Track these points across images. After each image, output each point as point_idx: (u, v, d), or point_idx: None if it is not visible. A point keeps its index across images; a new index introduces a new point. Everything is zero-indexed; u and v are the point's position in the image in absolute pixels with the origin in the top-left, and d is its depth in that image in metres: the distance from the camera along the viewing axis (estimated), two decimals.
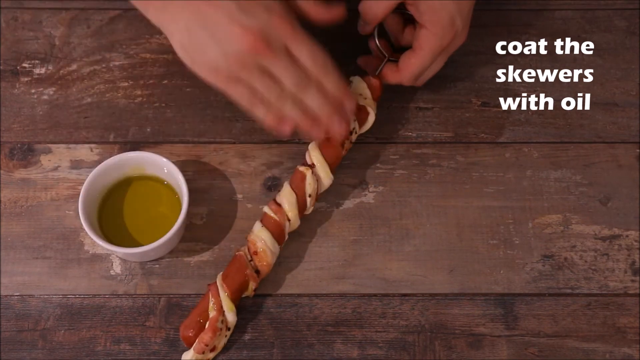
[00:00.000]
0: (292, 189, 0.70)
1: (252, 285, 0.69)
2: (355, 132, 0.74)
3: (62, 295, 0.72)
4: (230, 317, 0.67)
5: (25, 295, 0.71)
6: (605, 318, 0.71)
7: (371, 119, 0.74)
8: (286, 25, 0.63)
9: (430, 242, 0.74)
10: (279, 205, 0.70)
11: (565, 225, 0.75)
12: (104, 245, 0.69)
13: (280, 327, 0.71)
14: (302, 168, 0.71)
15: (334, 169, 0.73)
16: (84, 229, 0.70)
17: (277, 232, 0.70)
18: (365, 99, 0.74)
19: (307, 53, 0.65)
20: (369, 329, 0.71)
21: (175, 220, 0.70)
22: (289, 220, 0.70)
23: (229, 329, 0.68)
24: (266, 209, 0.71)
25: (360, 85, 0.74)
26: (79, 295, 0.72)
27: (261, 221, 0.70)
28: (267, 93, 0.65)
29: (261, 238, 0.69)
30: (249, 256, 0.69)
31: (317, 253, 0.74)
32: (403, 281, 0.73)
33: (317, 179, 0.71)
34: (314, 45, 0.65)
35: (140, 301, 0.71)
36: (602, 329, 0.71)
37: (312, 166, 0.71)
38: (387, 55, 0.75)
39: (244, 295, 0.70)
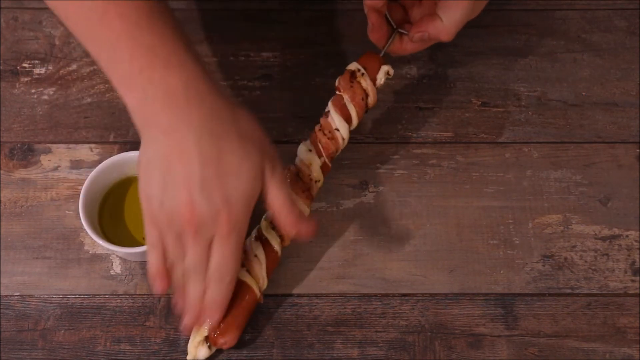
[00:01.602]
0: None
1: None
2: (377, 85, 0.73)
3: (62, 295, 0.72)
4: None
5: (25, 295, 0.71)
6: (605, 318, 0.71)
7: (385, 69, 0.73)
8: (226, 226, 0.62)
9: (430, 242, 0.74)
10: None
11: (565, 225, 0.75)
12: (104, 245, 0.69)
13: (280, 327, 0.71)
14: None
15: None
16: (84, 229, 0.70)
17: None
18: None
19: (217, 259, 0.63)
20: (369, 329, 0.71)
21: None
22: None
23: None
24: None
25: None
26: (79, 295, 0.72)
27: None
28: (169, 253, 0.64)
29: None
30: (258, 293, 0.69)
31: (317, 253, 0.74)
32: (403, 281, 0.73)
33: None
34: (231, 259, 0.64)
35: (140, 301, 0.71)
36: (602, 329, 0.71)
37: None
38: (395, 27, 0.73)
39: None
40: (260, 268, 0.68)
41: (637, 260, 0.74)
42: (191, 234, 0.62)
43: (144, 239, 0.72)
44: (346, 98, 0.71)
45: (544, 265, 0.73)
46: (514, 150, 0.78)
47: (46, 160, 0.77)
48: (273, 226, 0.69)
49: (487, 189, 0.77)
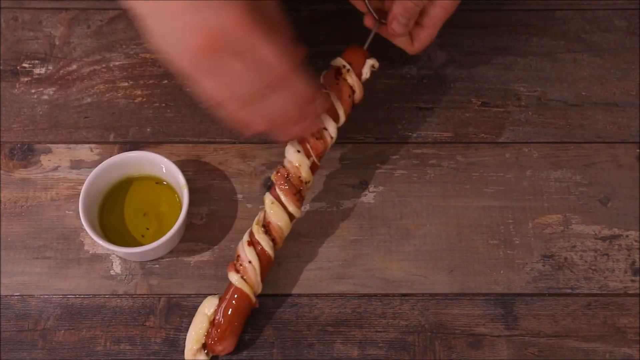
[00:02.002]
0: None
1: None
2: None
3: (62, 295, 0.72)
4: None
5: (25, 295, 0.71)
6: (605, 318, 0.71)
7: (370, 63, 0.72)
8: (248, 26, 0.59)
9: (430, 242, 0.74)
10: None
11: (565, 225, 0.75)
12: (104, 245, 0.69)
13: (280, 327, 0.71)
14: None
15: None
16: (84, 229, 0.70)
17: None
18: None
19: (270, 55, 0.61)
20: (369, 329, 0.71)
21: (175, 220, 0.70)
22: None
23: None
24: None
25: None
26: (79, 295, 0.72)
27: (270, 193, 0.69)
28: (227, 92, 0.62)
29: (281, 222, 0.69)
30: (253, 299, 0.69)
31: (317, 253, 0.74)
32: (403, 281, 0.73)
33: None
34: (281, 47, 0.62)
35: (140, 301, 0.71)
36: (602, 329, 0.71)
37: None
38: (377, 17, 0.71)
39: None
40: (255, 274, 0.68)
41: (637, 260, 0.74)
42: (229, 53, 0.58)
43: (143, 236, 0.72)
44: (332, 96, 0.70)
45: (544, 265, 0.73)
46: (514, 150, 0.78)
47: (46, 160, 0.77)
48: (265, 230, 0.69)
49: (487, 189, 0.77)
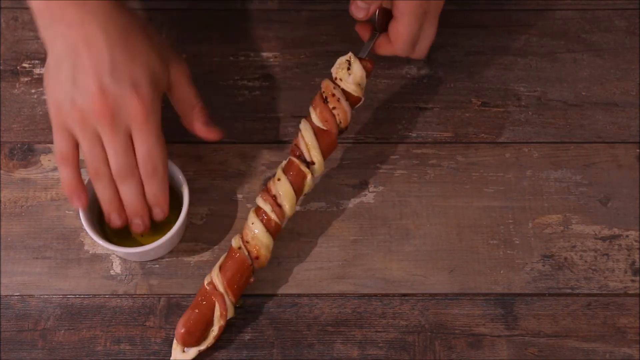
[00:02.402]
0: (293, 189, 0.69)
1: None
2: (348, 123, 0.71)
3: (62, 295, 0.72)
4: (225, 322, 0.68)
5: (25, 295, 0.71)
6: (605, 318, 0.71)
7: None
8: (141, 111, 0.63)
9: (430, 242, 0.74)
10: (280, 207, 0.69)
11: (565, 225, 0.75)
12: (104, 245, 0.69)
13: (280, 327, 0.71)
14: (303, 167, 0.69)
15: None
16: (84, 229, 0.70)
17: (275, 232, 0.69)
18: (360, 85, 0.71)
19: (145, 148, 0.64)
20: (369, 329, 0.71)
21: (175, 220, 0.70)
22: (285, 217, 0.70)
23: None
24: (267, 210, 0.69)
25: (359, 73, 0.70)
26: (79, 295, 0.72)
27: (261, 221, 0.69)
28: (88, 161, 0.64)
29: (265, 245, 0.68)
30: (250, 261, 0.68)
31: (317, 253, 0.74)
32: (403, 281, 0.73)
33: (314, 176, 0.70)
34: (156, 146, 0.64)
35: (140, 301, 0.71)
36: (602, 329, 0.71)
37: (311, 164, 0.70)
38: (377, 30, 0.72)
39: None
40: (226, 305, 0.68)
41: (637, 260, 0.74)
42: (107, 126, 0.62)
43: (142, 236, 0.72)
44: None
45: (544, 265, 0.73)
46: (514, 150, 0.78)
47: (46, 160, 0.77)
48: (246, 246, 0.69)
49: (487, 189, 0.77)
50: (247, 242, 0.68)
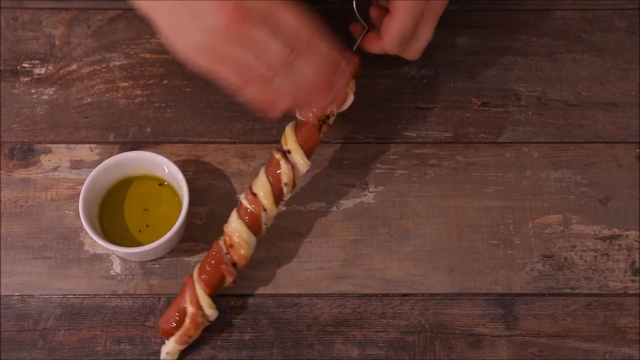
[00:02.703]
0: (268, 178, 0.68)
1: (229, 279, 0.69)
2: (333, 115, 0.70)
3: (62, 295, 0.72)
4: (210, 312, 0.68)
5: (25, 295, 0.71)
6: (605, 318, 0.71)
7: (349, 99, 0.71)
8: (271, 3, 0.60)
9: (430, 242, 0.74)
10: (255, 195, 0.69)
11: (565, 225, 0.75)
12: (104, 245, 0.69)
13: (280, 327, 0.71)
14: (277, 155, 0.69)
15: (311, 153, 0.70)
16: (84, 229, 0.70)
17: (253, 224, 0.68)
18: None
19: (292, 20, 0.61)
20: (369, 329, 0.71)
21: (175, 220, 0.70)
22: (265, 210, 0.69)
23: (210, 321, 0.69)
24: (242, 199, 0.69)
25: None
26: (79, 295, 0.72)
27: (237, 211, 0.69)
28: (256, 66, 0.62)
29: (237, 231, 0.68)
30: (224, 249, 0.68)
31: (317, 253, 0.74)
32: (403, 281, 0.73)
33: (293, 165, 0.69)
34: (300, 11, 0.62)
35: (140, 301, 0.71)
36: (602, 329, 0.71)
37: (287, 152, 0.69)
38: (366, 26, 0.72)
39: (224, 286, 0.69)
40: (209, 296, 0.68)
41: (637, 260, 0.74)
42: (249, 24, 0.59)
43: (140, 231, 0.72)
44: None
45: (544, 265, 0.73)
46: (514, 150, 0.78)
47: (46, 160, 0.77)
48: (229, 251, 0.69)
49: (487, 189, 0.77)
50: (224, 231, 0.69)
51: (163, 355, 0.68)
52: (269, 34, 0.60)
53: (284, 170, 0.68)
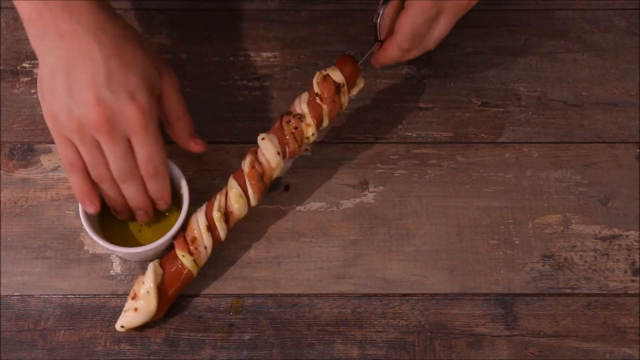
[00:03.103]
0: (278, 139, 0.70)
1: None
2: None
3: (62, 295, 0.72)
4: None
5: (25, 295, 0.71)
6: (605, 318, 0.71)
7: (360, 84, 0.73)
8: (139, 119, 0.63)
9: (430, 242, 0.74)
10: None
11: (565, 225, 0.75)
12: (104, 245, 0.69)
13: (280, 327, 0.71)
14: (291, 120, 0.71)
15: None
16: (84, 229, 0.70)
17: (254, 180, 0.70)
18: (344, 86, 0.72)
19: (144, 152, 0.65)
20: (369, 329, 0.71)
21: (175, 220, 0.70)
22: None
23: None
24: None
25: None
26: (79, 295, 0.72)
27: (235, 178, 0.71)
28: (91, 167, 0.65)
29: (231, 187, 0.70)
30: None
31: (317, 253, 0.74)
32: (403, 281, 0.73)
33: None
34: (156, 149, 0.65)
35: None
36: (602, 329, 0.71)
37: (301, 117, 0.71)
38: (380, 39, 0.72)
39: None
40: (206, 257, 0.70)
41: (637, 260, 0.74)
42: (106, 135, 0.62)
43: (140, 231, 0.72)
44: (325, 110, 0.70)
45: (544, 265, 0.73)
46: (514, 150, 0.78)
47: (46, 160, 0.77)
48: (225, 218, 0.69)
49: (487, 189, 0.77)
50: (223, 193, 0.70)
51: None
52: (114, 153, 0.64)
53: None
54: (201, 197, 0.75)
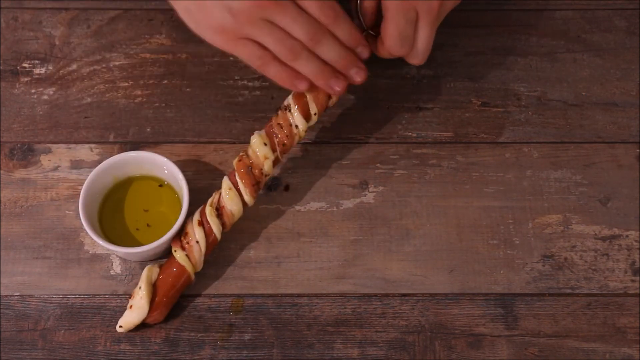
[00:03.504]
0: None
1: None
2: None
3: (62, 295, 0.72)
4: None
5: (25, 295, 0.71)
6: (605, 318, 0.71)
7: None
8: None
9: (430, 242, 0.74)
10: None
11: (565, 225, 0.75)
12: (104, 245, 0.69)
13: (280, 327, 0.71)
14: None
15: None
16: (84, 229, 0.70)
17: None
18: None
19: (313, 4, 0.62)
20: (369, 329, 0.71)
21: (175, 220, 0.70)
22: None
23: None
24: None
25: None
26: (79, 295, 0.72)
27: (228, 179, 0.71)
28: (279, 48, 0.63)
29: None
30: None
31: (317, 253, 0.74)
32: (403, 281, 0.73)
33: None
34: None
35: None
36: (602, 329, 0.71)
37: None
38: (365, 28, 0.71)
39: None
40: (200, 254, 0.69)
41: (637, 260, 0.74)
42: (275, 6, 0.60)
43: (138, 229, 0.72)
44: (309, 97, 0.70)
45: (544, 265, 0.73)
46: (514, 150, 0.78)
47: (46, 160, 0.77)
48: (217, 213, 0.69)
49: (487, 189, 0.77)
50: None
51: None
52: (290, 18, 0.61)
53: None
54: (201, 197, 0.75)
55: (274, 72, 0.65)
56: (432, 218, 0.75)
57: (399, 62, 0.81)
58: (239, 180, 0.70)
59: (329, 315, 0.71)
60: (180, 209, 0.70)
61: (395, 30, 0.68)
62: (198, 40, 0.82)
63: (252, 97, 0.80)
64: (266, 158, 0.70)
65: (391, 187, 0.77)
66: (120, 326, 0.69)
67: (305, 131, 0.71)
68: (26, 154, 0.77)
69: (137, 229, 0.72)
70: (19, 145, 0.78)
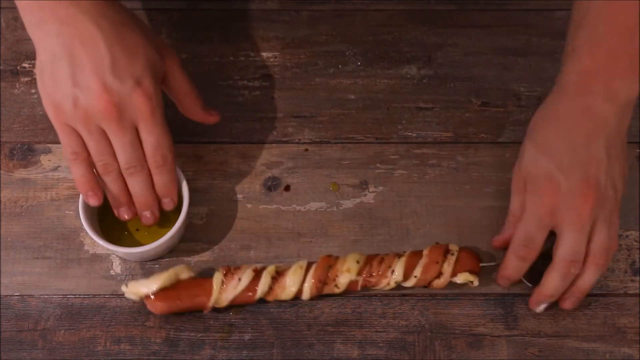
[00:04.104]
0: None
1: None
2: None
3: (62, 295, 0.72)
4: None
5: (25, 295, 0.71)
6: (605, 318, 0.71)
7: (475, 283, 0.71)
8: (146, 106, 0.63)
9: (430, 242, 0.74)
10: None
11: None
12: (104, 245, 0.69)
13: (280, 327, 0.71)
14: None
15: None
16: (84, 229, 0.70)
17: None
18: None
19: (152, 142, 0.64)
20: (369, 329, 0.71)
21: (175, 220, 0.70)
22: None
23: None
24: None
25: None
26: (79, 295, 0.72)
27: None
28: (96, 157, 0.64)
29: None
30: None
31: (317, 253, 0.74)
32: None
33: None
34: (164, 136, 0.65)
35: (140, 301, 0.71)
36: (602, 329, 0.71)
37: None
38: (530, 285, 0.71)
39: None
40: (233, 291, 0.68)
41: (637, 260, 0.74)
42: (114, 122, 0.61)
43: (138, 230, 0.72)
44: (422, 262, 0.69)
45: (543, 265, 0.73)
46: (514, 150, 0.78)
47: (46, 160, 0.77)
48: (272, 278, 0.69)
49: (487, 189, 0.77)
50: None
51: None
52: (122, 142, 0.63)
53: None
54: (201, 197, 0.75)
55: (78, 174, 0.66)
56: (432, 218, 0.75)
57: (399, 62, 0.82)
58: (312, 268, 0.69)
59: (329, 315, 0.71)
60: (180, 209, 0.70)
61: (524, 232, 0.67)
62: (198, 40, 0.83)
63: (252, 97, 0.80)
64: (348, 271, 0.69)
65: (391, 187, 0.77)
66: (127, 285, 0.69)
67: (389, 285, 0.70)
68: (26, 154, 0.77)
69: (137, 229, 0.72)
70: (19, 145, 0.78)
